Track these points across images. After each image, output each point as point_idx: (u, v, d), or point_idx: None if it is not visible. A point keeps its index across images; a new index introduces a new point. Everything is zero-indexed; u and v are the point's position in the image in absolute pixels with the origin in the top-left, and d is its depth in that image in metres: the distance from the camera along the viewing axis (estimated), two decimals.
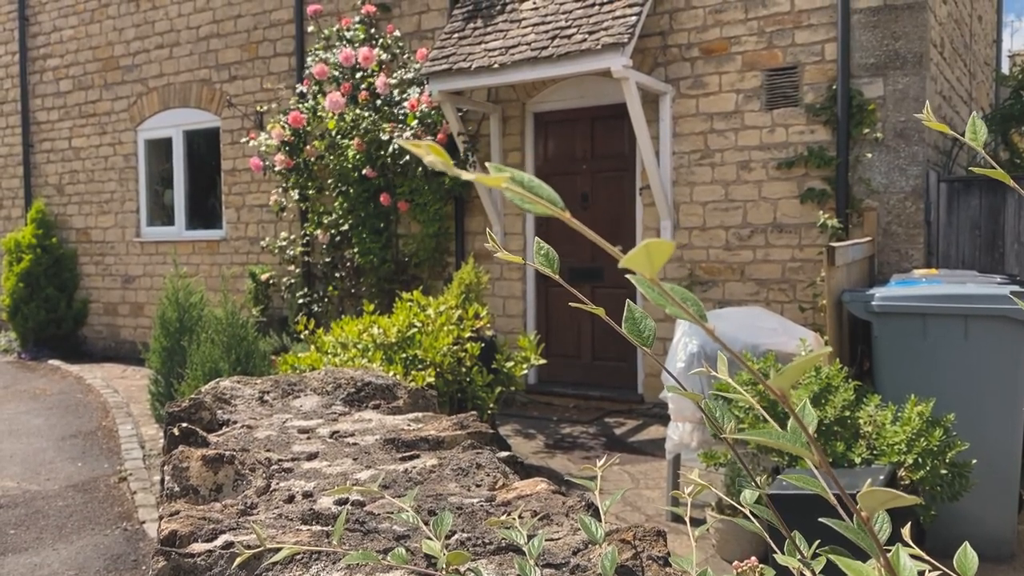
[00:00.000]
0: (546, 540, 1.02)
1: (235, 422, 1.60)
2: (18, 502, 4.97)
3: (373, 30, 8.05)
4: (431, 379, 4.55)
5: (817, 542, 0.81)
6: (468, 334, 4.94)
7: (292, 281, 8.76)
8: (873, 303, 4.08)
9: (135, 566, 4.09)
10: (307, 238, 8.64)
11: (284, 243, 8.84)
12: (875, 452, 3.52)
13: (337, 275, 8.38)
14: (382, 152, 7.60)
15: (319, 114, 7.98)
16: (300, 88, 8.36)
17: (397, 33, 7.88)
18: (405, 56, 7.93)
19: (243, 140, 9.09)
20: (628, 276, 0.56)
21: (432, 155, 0.50)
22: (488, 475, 1.31)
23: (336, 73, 7.95)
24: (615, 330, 0.74)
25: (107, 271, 10.77)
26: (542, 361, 5.35)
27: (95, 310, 10.92)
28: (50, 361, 10.15)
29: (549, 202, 0.52)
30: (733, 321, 4.66)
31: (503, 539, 1.03)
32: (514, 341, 6.54)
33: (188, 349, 5.94)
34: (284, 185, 8.60)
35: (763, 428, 0.60)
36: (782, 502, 2.31)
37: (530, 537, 0.92)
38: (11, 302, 10.47)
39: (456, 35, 7.16)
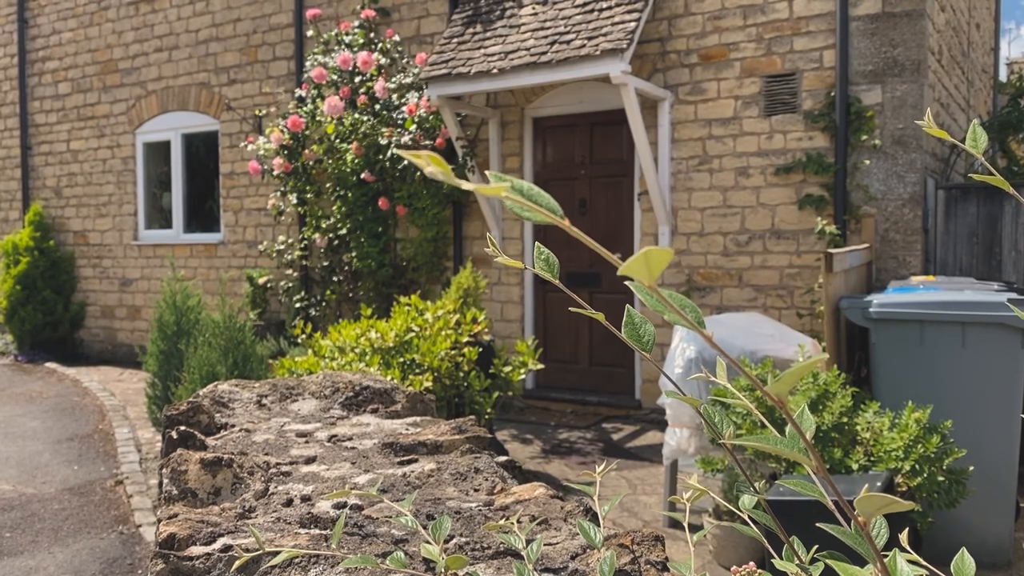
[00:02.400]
0: (544, 545, 1.02)
1: (233, 425, 1.60)
2: (13, 505, 4.96)
3: (372, 34, 8.07)
4: (429, 383, 4.55)
5: (815, 547, 0.81)
6: (466, 339, 4.94)
7: (290, 285, 8.76)
8: (871, 310, 4.08)
9: (131, 570, 4.07)
10: (305, 242, 8.64)
11: (282, 247, 8.84)
12: (872, 459, 3.52)
13: (335, 279, 8.37)
14: (380, 156, 7.61)
15: (318, 118, 7.99)
16: (299, 92, 8.37)
17: (396, 37, 7.90)
18: (404, 60, 7.95)
19: (242, 144, 9.09)
20: (627, 283, 0.57)
21: (432, 165, 0.50)
22: (486, 480, 1.31)
23: (335, 77, 7.96)
24: (613, 335, 0.74)
25: (104, 274, 10.76)
26: (540, 366, 5.35)
27: (92, 313, 10.90)
28: (47, 364, 10.13)
29: (548, 210, 0.52)
30: (731, 327, 4.67)
31: (501, 543, 1.03)
32: (512, 346, 6.54)
33: (185, 352, 5.93)
34: (282, 189, 8.60)
35: (761, 434, 0.60)
36: (780, 508, 2.31)
37: (528, 542, 0.93)
38: (8, 304, 10.45)
39: (455, 40, 7.17)
